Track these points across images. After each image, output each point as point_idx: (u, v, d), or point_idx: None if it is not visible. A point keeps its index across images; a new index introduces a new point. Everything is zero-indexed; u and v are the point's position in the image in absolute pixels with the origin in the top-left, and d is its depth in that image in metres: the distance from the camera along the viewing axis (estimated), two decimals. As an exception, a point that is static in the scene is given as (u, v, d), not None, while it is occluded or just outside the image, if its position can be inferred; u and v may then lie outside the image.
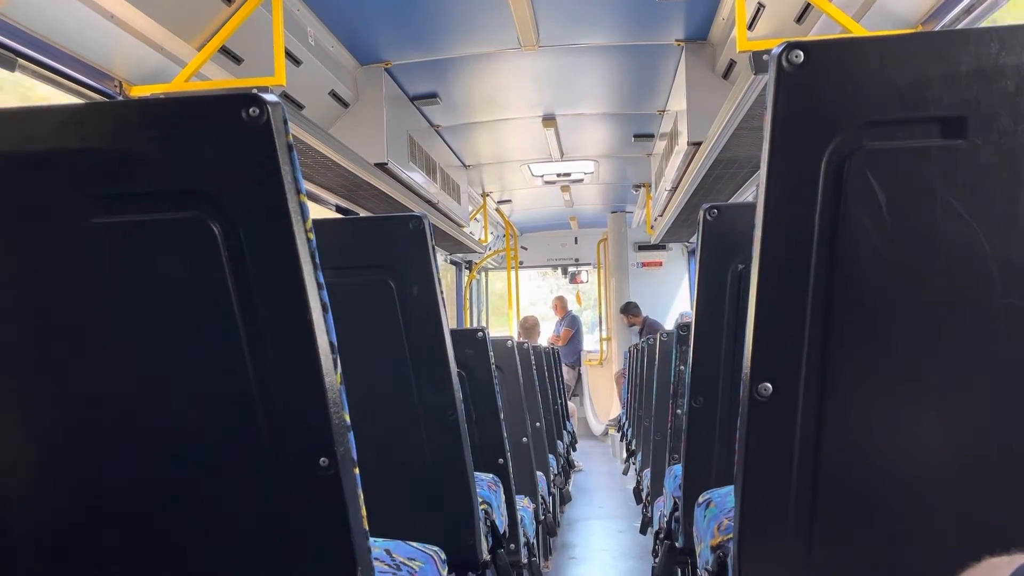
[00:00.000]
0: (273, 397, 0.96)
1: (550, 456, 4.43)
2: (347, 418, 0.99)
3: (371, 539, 1.06)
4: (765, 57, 2.89)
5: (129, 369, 1.00)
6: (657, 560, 2.48)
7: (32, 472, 1.04)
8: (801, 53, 0.97)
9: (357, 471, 1.01)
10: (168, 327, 0.98)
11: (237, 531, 1.03)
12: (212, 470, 1.01)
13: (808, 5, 3.23)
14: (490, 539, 2.00)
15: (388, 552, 1.49)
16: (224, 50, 3.37)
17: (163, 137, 0.94)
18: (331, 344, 0.97)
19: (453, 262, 9.83)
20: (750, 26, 3.64)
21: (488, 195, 8.69)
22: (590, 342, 11.27)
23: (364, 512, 1.03)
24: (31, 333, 1.00)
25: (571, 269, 11.36)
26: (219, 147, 0.93)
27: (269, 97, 0.92)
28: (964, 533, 1.06)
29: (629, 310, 9.55)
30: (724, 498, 1.68)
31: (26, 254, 0.97)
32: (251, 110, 0.92)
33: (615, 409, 9.63)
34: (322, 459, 0.97)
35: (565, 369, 9.45)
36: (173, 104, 0.95)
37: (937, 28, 2.77)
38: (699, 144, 4.71)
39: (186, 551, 1.04)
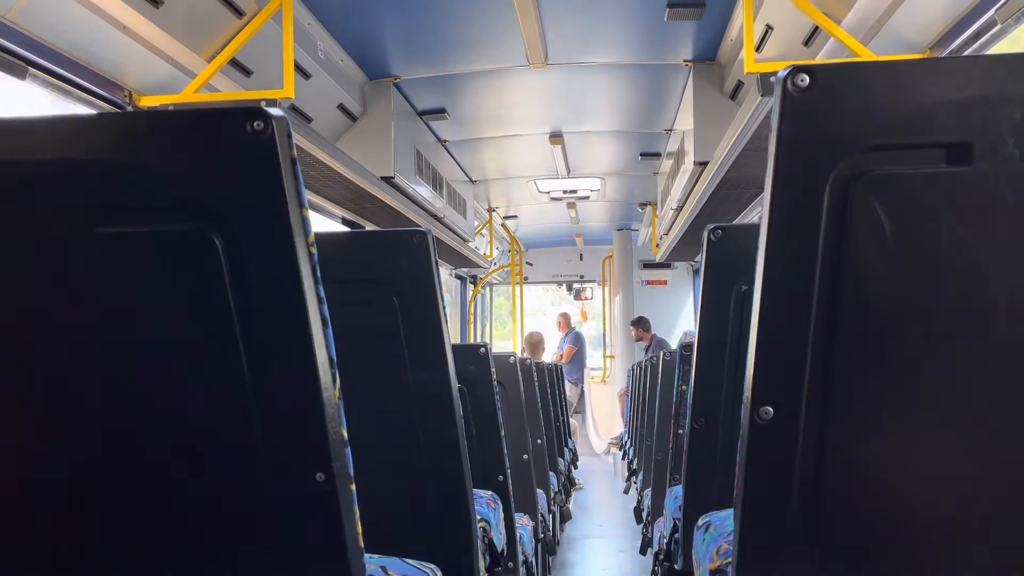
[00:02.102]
0: (271, 411, 0.96)
1: (551, 473, 4.41)
2: (345, 433, 0.99)
3: (366, 556, 1.05)
4: (772, 79, 2.90)
5: (127, 380, 0.99)
6: (656, 582, 2.46)
7: (28, 479, 1.04)
8: (807, 77, 0.96)
9: (354, 487, 1.01)
10: (167, 339, 0.98)
11: (231, 546, 1.02)
12: (207, 483, 1.01)
13: (816, 28, 3.24)
14: (488, 557, 1.99)
15: (383, 569, 1.48)
16: (234, 62, 3.39)
17: (168, 149, 0.94)
18: (330, 359, 0.97)
19: (458, 276, 9.84)
20: (758, 48, 3.65)
21: (494, 210, 8.71)
22: (593, 359, 11.25)
23: (360, 528, 1.02)
24: (31, 341, 1.00)
25: (576, 286, 11.37)
26: (223, 160, 0.93)
27: (274, 111, 0.93)
28: (967, 562, 1.04)
29: (640, 324, 9.53)
30: (724, 521, 1.67)
31: (29, 262, 0.97)
32: (256, 123, 0.92)
33: (617, 427, 9.60)
34: (318, 474, 0.96)
35: (568, 386, 9.44)
36: (179, 116, 0.95)
37: (945, 53, 2.78)
38: (705, 164, 4.71)
39: (180, 565, 1.03)
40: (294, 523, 0.98)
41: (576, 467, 7.32)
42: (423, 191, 5.54)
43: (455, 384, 1.75)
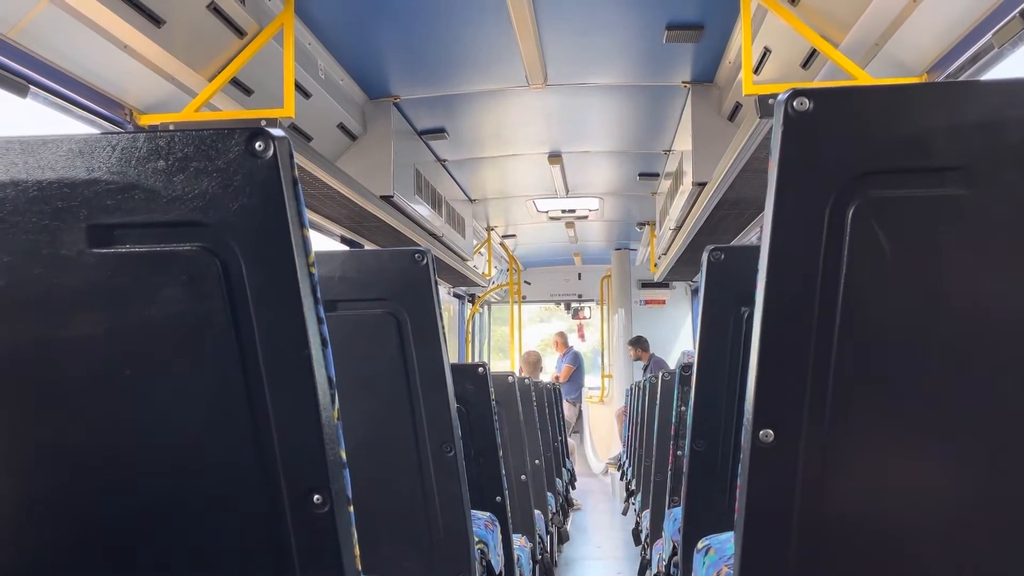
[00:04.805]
0: (268, 432, 0.95)
1: (548, 494, 4.39)
2: (343, 455, 0.98)
3: (364, 578, 1.04)
4: (771, 101, 2.92)
5: (123, 399, 0.99)
6: (655, 605, 2.44)
7: (23, 500, 1.03)
8: (807, 100, 0.97)
9: (351, 509, 1.00)
10: (164, 359, 0.97)
11: (227, 568, 1.01)
12: (203, 505, 1.00)
13: (814, 51, 3.27)
14: (485, 579, 1.97)
15: (381, 591, 1.46)
16: (235, 81, 3.41)
17: (169, 169, 0.94)
18: (329, 379, 0.97)
19: (456, 295, 9.83)
20: (756, 70, 3.67)
21: (493, 229, 8.73)
22: (591, 378, 11.23)
23: (357, 551, 1.01)
24: (29, 360, 1.00)
25: (574, 305, 11.37)
26: (224, 180, 0.93)
27: (276, 132, 0.93)
28: (969, 588, 1.04)
29: (639, 344, 9.51)
30: (724, 544, 1.66)
31: (27, 282, 0.97)
32: (257, 144, 0.92)
33: (615, 447, 9.56)
34: (316, 496, 0.95)
35: (566, 405, 9.41)
36: (180, 136, 0.95)
37: (942, 77, 2.80)
38: (704, 184, 4.73)
39: (175, 587, 1.02)
40: (290, 546, 0.97)
41: (574, 487, 7.29)
42: (422, 210, 5.55)
43: (453, 404, 1.75)
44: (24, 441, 1.02)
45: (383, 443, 1.75)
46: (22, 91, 2.59)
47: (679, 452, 2.67)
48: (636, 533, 4.64)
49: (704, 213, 4.81)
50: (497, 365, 12.39)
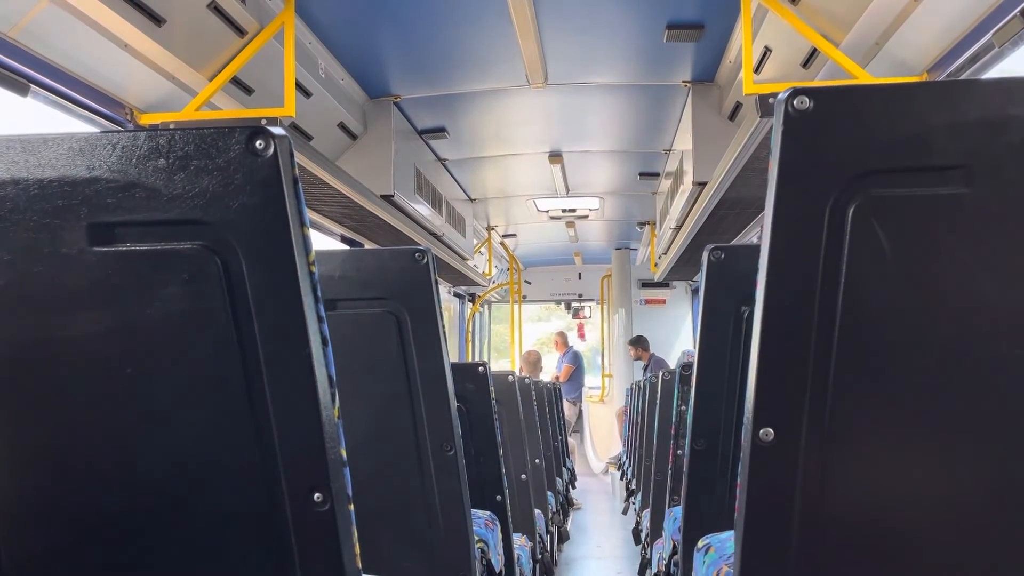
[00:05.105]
0: (268, 431, 0.95)
1: (549, 493, 4.39)
2: (343, 453, 0.98)
3: (364, 577, 1.04)
4: (771, 100, 2.92)
5: (123, 399, 0.99)
6: (655, 604, 2.44)
7: (23, 499, 1.03)
8: (807, 99, 0.97)
9: (352, 507, 1.00)
10: (165, 358, 0.98)
11: (227, 566, 1.01)
12: (203, 503, 1.00)
13: (815, 50, 3.27)
14: (486, 578, 1.98)
15: (381, 590, 1.46)
16: (235, 80, 3.41)
17: (169, 167, 0.94)
18: (330, 378, 0.97)
19: (457, 294, 9.84)
20: (757, 69, 3.67)
21: (493, 229, 8.73)
22: (591, 378, 11.24)
23: (357, 550, 1.01)
24: (30, 361, 1.00)
25: (574, 304, 11.38)
26: (225, 179, 0.93)
27: (276, 130, 0.93)
28: (969, 586, 1.04)
29: (639, 343, 9.51)
30: (724, 543, 1.66)
31: (28, 281, 0.97)
32: (258, 143, 0.92)
33: (615, 446, 9.56)
34: (316, 494, 0.96)
35: (566, 404, 9.42)
36: (181, 135, 0.95)
37: (943, 76, 2.80)
38: (704, 184, 4.73)
39: (175, 585, 1.02)
40: (290, 545, 0.97)
41: (574, 487, 7.30)
42: (422, 209, 5.55)
43: (454, 403, 1.75)
44: (24, 440, 1.02)
45: (383, 442, 1.75)
46: (23, 90, 2.59)
47: (679, 451, 2.67)
48: (636, 532, 4.64)
49: (704, 213, 4.81)
50: (497, 365, 12.40)
